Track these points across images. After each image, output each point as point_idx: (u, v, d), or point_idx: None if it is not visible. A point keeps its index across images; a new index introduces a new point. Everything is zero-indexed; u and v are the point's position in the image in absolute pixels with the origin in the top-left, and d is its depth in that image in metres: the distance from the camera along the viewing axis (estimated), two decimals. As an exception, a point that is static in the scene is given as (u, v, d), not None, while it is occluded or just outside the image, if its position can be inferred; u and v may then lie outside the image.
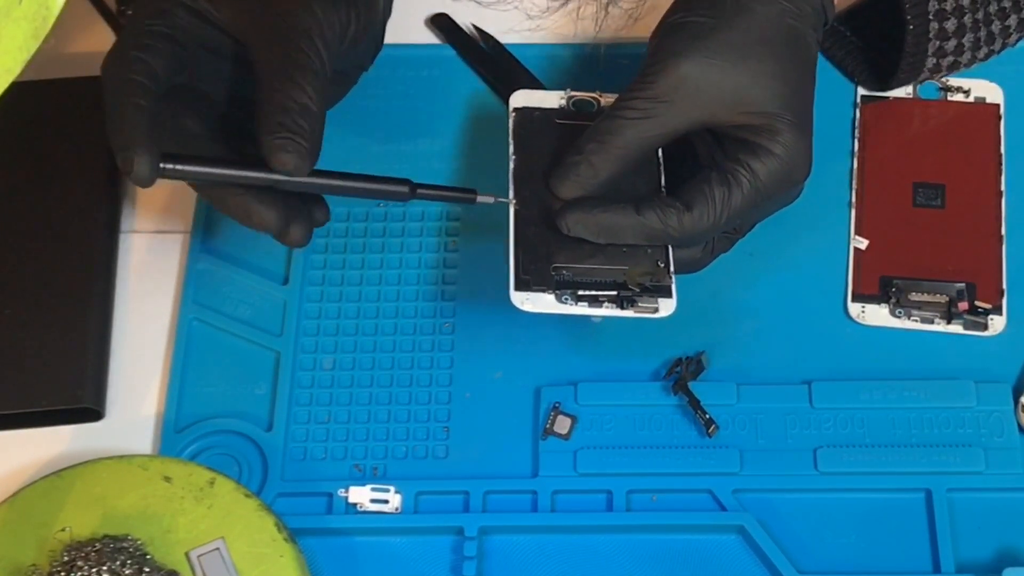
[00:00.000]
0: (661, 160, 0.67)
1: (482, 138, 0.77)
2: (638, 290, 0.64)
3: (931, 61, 0.71)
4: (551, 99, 0.70)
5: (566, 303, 0.64)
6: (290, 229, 0.64)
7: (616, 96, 0.66)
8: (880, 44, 0.75)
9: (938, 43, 0.70)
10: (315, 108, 0.62)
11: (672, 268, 0.65)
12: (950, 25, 0.70)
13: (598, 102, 0.70)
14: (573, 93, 0.70)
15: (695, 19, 0.64)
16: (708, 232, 0.64)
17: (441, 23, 0.81)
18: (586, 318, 0.67)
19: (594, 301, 0.64)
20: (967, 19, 0.70)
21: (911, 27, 0.70)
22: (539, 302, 0.63)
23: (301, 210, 0.65)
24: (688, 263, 0.66)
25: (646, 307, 0.64)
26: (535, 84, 0.78)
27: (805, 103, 0.65)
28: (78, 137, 0.76)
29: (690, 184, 0.64)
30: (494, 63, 0.79)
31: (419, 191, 0.66)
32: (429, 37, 0.81)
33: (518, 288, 0.64)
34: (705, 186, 0.63)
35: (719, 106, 0.63)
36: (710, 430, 0.67)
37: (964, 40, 0.71)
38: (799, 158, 0.64)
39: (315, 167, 0.63)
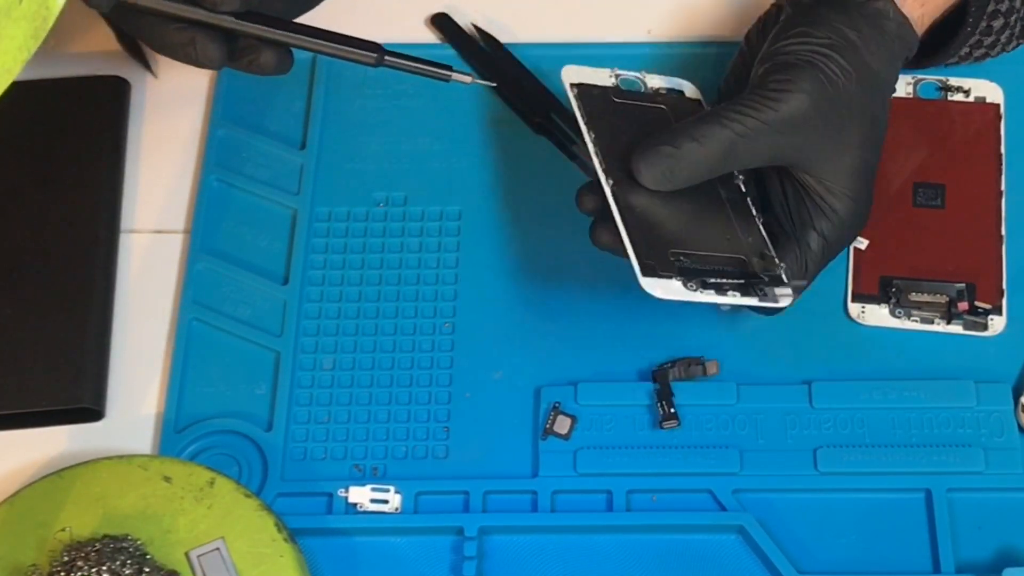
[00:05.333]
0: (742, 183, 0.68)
1: (482, 138, 0.77)
2: (766, 279, 0.64)
3: (964, 50, 0.72)
4: (601, 76, 0.70)
5: (694, 291, 0.63)
6: (241, 64, 0.64)
7: (663, 78, 0.69)
8: None
9: (979, 37, 0.71)
10: None
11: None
12: (997, 23, 0.70)
13: (643, 83, 0.70)
14: (621, 72, 0.70)
15: (829, 64, 0.64)
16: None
17: (441, 23, 0.81)
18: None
19: (719, 289, 0.63)
20: (1013, 18, 0.70)
21: (969, 28, 0.70)
22: (669, 289, 0.62)
23: (248, 50, 0.65)
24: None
25: (771, 297, 0.64)
26: (535, 84, 0.78)
27: (874, 174, 0.67)
28: (78, 137, 0.76)
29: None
30: (494, 63, 0.79)
31: (387, 58, 0.66)
32: (429, 37, 0.81)
33: (645, 274, 0.62)
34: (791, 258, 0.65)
35: (811, 156, 0.64)
36: (664, 423, 0.68)
37: (1002, 37, 0.71)
38: (860, 219, 0.66)
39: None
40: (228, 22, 0.63)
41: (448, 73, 0.66)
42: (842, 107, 0.64)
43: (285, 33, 0.64)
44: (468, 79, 0.66)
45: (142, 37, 0.65)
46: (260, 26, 0.64)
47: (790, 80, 0.64)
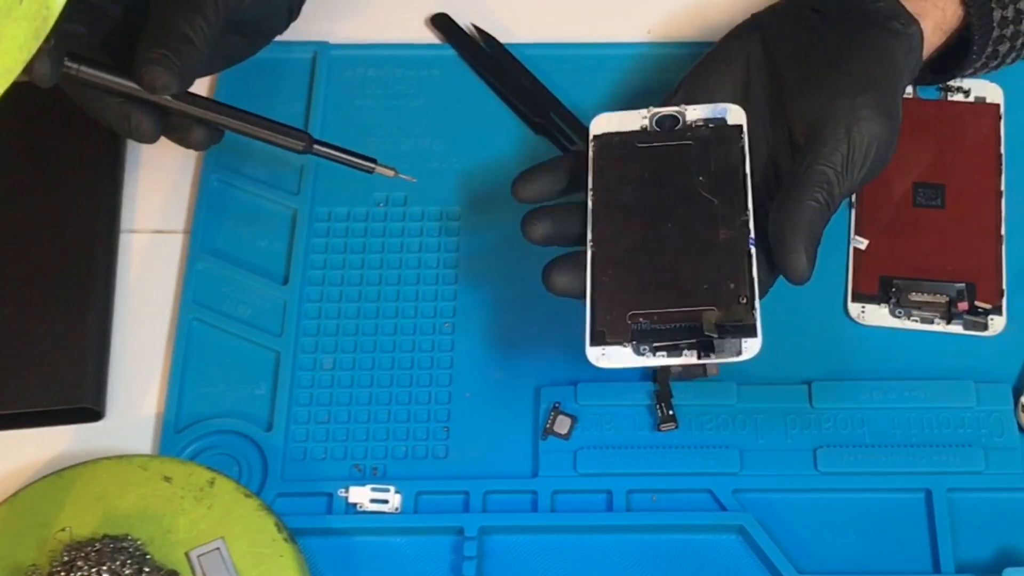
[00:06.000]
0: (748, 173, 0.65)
1: (482, 138, 0.77)
2: (716, 335, 0.60)
3: (969, 71, 0.71)
4: (632, 120, 0.66)
5: (644, 355, 0.61)
6: (173, 138, 0.67)
7: (706, 108, 0.66)
8: None
9: (985, 60, 0.70)
10: (196, 43, 0.64)
11: (757, 302, 0.61)
12: (1003, 48, 0.70)
13: (683, 116, 0.66)
14: (656, 110, 0.67)
15: (861, 69, 0.64)
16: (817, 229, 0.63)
17: (441, 23, 0.81)
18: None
19: (674, 350, 0.61)
20: (1019, 42, 0.70)
21: (974, 56, 0.69)
22: (616, 357, 0.61)
23: (181, 127, 0.67)
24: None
25: (729, 351, 0.60)
26: (535, 84, 0.78)
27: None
28: (78, 137, 0.76)
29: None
30: (494, 63, 0.79)
31: (315, 147, 0.68)
32: (429, 37, 0.81)
33: (594, 342, 0.61)
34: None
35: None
36: (662, 426, 0.68)
37: (1008, 59, 0.71)
38: (891, 133, 0.65)
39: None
40: (164, 101, 0.65)
41: (372, 165, 0.69)
42: (893, 104, 0.64)
43: (217, 116, 0.67)
44: (391, 172, 0.69)
45: (81, 105, 0.67)
46: (194, 107, 0.66)
47: (835, 108, 0.63)
